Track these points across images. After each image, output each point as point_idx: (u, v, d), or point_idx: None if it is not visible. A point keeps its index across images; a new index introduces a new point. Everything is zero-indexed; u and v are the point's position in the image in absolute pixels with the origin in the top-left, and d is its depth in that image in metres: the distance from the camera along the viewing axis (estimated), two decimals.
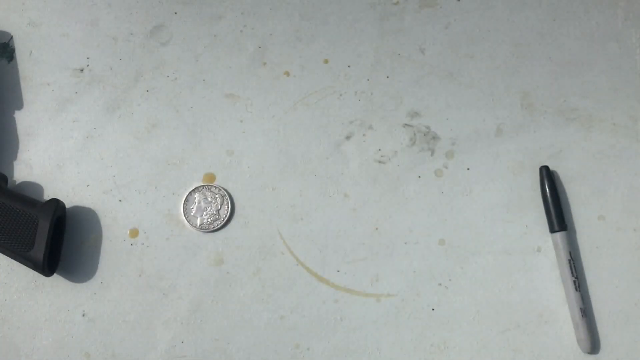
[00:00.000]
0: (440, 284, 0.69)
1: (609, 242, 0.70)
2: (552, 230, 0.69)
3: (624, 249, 0.70)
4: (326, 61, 0.74)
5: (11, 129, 0.72)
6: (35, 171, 0.71)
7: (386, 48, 0.74)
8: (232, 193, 0.71)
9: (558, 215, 0.68)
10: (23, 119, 0.72)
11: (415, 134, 0.72)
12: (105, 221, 0.70)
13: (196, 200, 0.70)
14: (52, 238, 0.67)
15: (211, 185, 0.71)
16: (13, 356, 0.68)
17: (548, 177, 0.69)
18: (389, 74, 0.74)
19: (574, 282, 0.67)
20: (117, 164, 0.71)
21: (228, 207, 0.70)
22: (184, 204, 0.70)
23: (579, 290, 0.67)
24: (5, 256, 0.69)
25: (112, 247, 0.70)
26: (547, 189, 0.69)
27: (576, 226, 0.70)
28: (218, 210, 0.70)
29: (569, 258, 0.67)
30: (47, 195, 0.71)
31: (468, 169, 0.71)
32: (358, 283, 0.69)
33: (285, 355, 0.68)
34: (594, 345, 0.67)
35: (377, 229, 0.70)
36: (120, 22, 0.75)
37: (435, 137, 0.72)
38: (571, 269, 0.67)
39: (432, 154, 0.72)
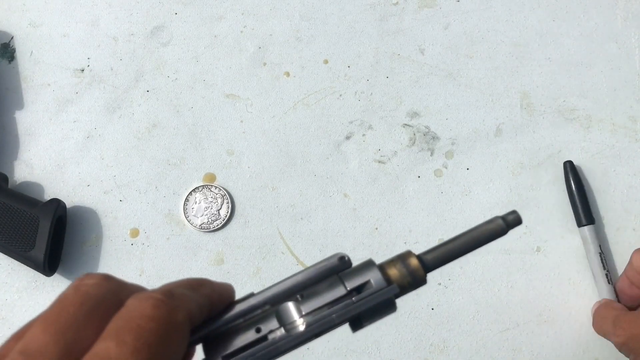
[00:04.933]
0: (439, 284, 0.69)
1: (608, 242, 0.70)
2: (580, 224, 0.68)
3: (623, 249, 0.70)
4: (326, 61, 0.74)
5: (12, 129, 0.72)
6: (36, 171, 0.71)
7: (386, 48, 0.74)
8: (232, 193, 0.71)
9: (585, 208, 0.68)
10: (24, 119, 0.72)
11: (414, 134, 0.73)
12: (106, 221, 0.71)
13: (196, 200, 0.71)
14: (53, 238, 0.67)
15: (211, 185, 0.71)
16: None
17: (573, 171, 0.69)
18: (389, 74, 0.74)
19: (606, 275, 0.67)
20: (117, 164, 0.72)
21: (228, 207, 0.71)
22: (184, 203, 0.71)
23: (611, 283, 0.67)
24: (6, 256, 0.69)
25: (113, 247, 0.70)
26: (572, 183, 0.69)
27: (575, 226, 0.70)
28: (218, 210, 0.70)
29: (599, 251, 0.67)
30: (48, 195, 0.71)
31: (467, 169, 0.72)
32: None
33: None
34: None
35: (377, 228, 0.70)
36: (121, 22, 0.75)
37: (434, 137, 0.72)
38: (602, 262, 0.67)
39: (431, 154, 0.72)
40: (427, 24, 0.75)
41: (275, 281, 0.34)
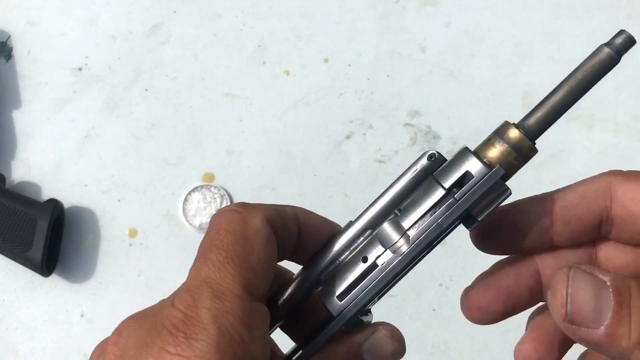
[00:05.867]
0: (440, 285, 0.69)
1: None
2: None
3: None
4: (326, 60, 0.74)
5: (9, 128, 0.72)
6: (34, 171, 0.71)
7: (387, 47, 0.74)
8: (231, 193, 0.71)
9: None
10: (21, 119, 0.72)
11: (416, 134, 0.72)
12: (104, 221, 0.70)
13: (195, 200, 0.70)
14: (51, 238, 0.67)
15: (210, 185, 0.71)
16: (11, 357, 0.68)
17: None
18: (390, 73, 0.73)
19: None
20: (115, 164, 0.71)
21: None
22: (183, 203, 0.70)
23: None
24: (3, 256, 0.68)
25: (111, 248, 0.69)
26: None
27: None
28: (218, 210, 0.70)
29: None
30: (45, 195, 0.70)
31: None
32: None
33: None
34: None
35: None
36: (119, 20, 0.74)
37: (436, 137, 0.72)
38: None
39: None
40: (428, 22, 0.74)
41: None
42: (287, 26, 0.74)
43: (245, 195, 0.71)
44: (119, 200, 0.70)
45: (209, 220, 0.69)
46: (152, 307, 0.30)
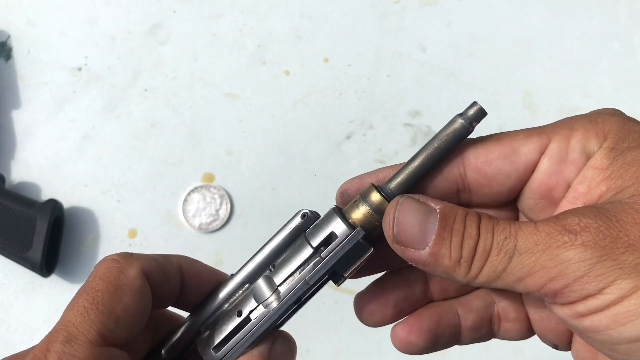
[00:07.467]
0: None
1: None
2: None
3: None
4: (326, 60, 0.74)
5: (9, 128, 0.71)
6: (33, 171, 0.71)
7: (387, 47, 0.74)
8: (231, 193, 0.71)
9: None
10: (20, 119, 0.72)
11: (416, 134, 0.72)
12: (104, 221, 0.70)
13: (195, 200, 0.70)
14: (50, 239, 0.66)
15: (210, 185, 0.70)
16: None
17: None
18: (390, 73, 0.73)
19: None
20: (115, 164, 0.71)
21: (227, 207, 0.70)
22: (182, 204, 0.70)
23: None
24: (2, 256, 0.68)
25: (111, 248, 0.69)
26: None
27: None
28: (217, 211, 0.70)
29: None
30: (45, 195, 0.70)
31: None
32: (358, 284, 0.69)
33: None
34: None
35: None
36: (119, 20, 0.74)
37: None
38: None
39: None
40: (428, 22, 0.74)
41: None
42: (287, 26, 0.74)
43: (245, 195, 0.70)
44: (118, 201, 0.70)
45: (209, 220, 0.70)
46: (21, 352, 0.31)
